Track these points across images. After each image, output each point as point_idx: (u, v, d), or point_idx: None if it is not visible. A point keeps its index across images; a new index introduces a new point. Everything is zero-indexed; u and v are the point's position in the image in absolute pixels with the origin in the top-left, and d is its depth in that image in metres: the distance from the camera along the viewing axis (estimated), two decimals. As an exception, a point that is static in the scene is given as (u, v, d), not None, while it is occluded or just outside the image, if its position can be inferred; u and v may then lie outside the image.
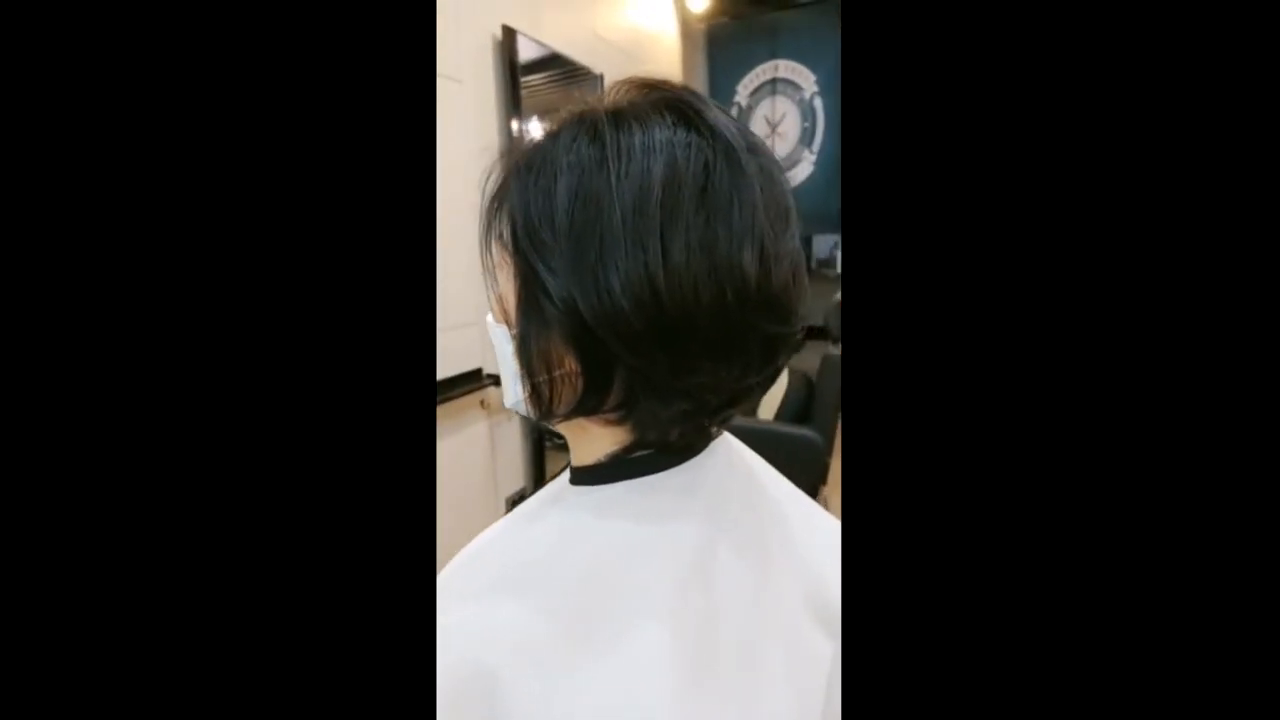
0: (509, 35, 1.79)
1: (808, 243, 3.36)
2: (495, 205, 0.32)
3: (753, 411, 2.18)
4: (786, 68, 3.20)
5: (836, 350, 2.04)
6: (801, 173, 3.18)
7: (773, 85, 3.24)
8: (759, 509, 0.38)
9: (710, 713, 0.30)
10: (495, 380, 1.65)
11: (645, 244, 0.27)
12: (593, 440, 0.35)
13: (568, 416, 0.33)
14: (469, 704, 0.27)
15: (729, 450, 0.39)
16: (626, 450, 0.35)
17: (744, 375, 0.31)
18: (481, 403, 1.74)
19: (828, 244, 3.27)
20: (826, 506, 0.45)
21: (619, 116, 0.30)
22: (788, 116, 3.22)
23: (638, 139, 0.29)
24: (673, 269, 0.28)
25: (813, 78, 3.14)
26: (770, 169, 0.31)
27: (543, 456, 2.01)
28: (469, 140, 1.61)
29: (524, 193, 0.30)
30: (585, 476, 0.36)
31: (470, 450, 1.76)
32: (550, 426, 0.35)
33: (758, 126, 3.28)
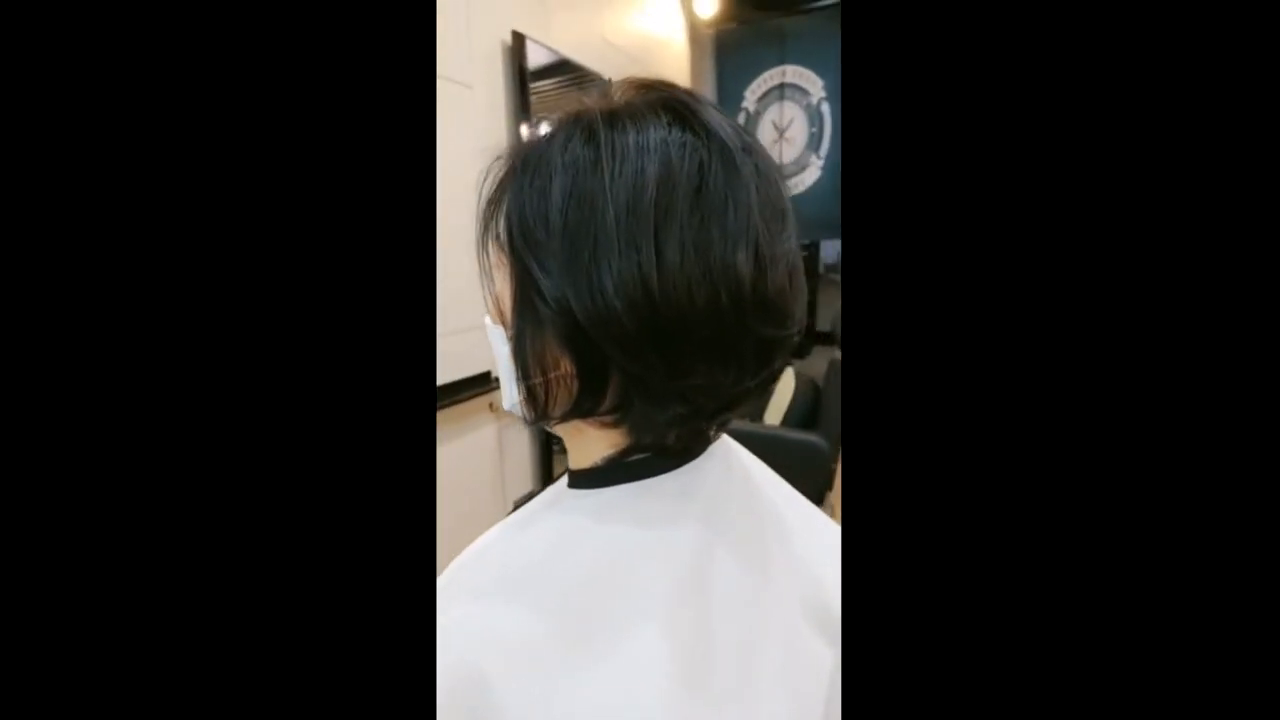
0: (518, 41, 1.81)
1: (815, 248, 3.35)
2: (492, 205, 0.32)
3: (759, 417, 2.17)
4: (794, 73, 3.20)
5: (844, 356, 2.02)
6: (809, 178, 3.18)
7: (780, 91, 3.24)
8: (758, 513, 0.38)
9: (707, 715, 0.29)
10: (502, 384, 1.65)
11: (639, 244, 0.27)
12: (590, 443, 0.35)
13: (563, 419, 0.33)
14: (467, 704, 0.27)
15: (727, 454, 0.39)
16: (623, 454, 0.34)
17: (740, 379, 0.31)
18: (490, 406, 1.74)
19: (835, 249, 3.26)
20: (832, 513, 0.45)
21: (614, 116, 0.30)
22: (795, 122, 3.22)
23: (632, 139, 0.29)
24: (666, 270, 0.27)
25: (820, 83, 3.14)
26: (767, 170, 0.31)
27: (550, 460, 2.02)
28: (479, 145, 1.63)
29: (519, 193, 0.30)
30: (582, 480, 0.36)
31: (479, 453, 1.77)
32: (546, 429, 0.35)
33: (765, 132, 3.28)
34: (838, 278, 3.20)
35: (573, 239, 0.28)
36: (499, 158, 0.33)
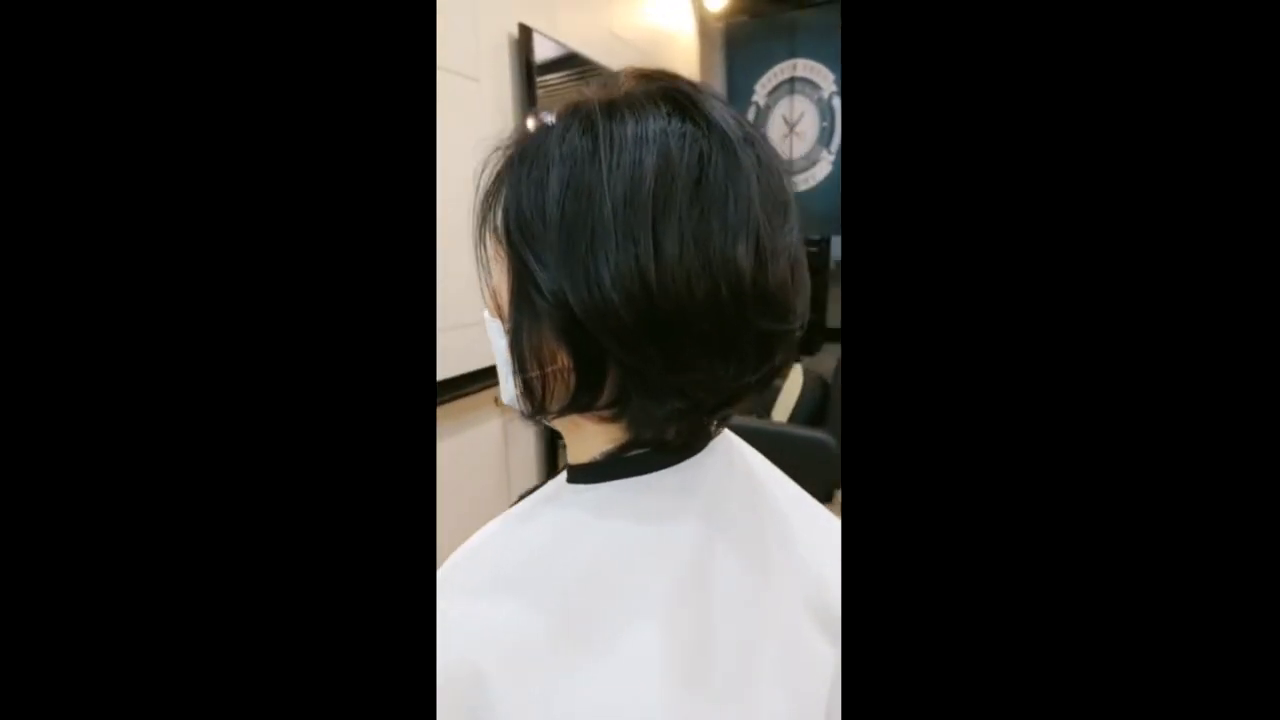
0: (525, 34, 1.80)
1: (826, 244, 3.32)
2: (489, 197, 0.32)
3: (766, 413, 2.16)
4: (805, 67, 3.17)
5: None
6: (820, 173, 3.15)
7: (791, 85, 3.21)
8: (759, 509, 0.38)
9: (707, 713, 0.29)
10: (508, 378, 1.65)
11: (636, 236, 0.27)
12: (588, 438, 0.35)
13: (561, 413, 0.33)
14: (467, 704, 0.27)
15: (729, 449, 0.39)
16: (622, 449, 0.34)
17: (740, 373, 0.30)
18: (495, 400, 1.75)
19: (846, 245, 3.23)
20: (839, 511, 0.45)
21: (613, 107, 0.29)
22: (806, 116, 3.19)
23: (631, 130, 0.28)
24: (664, 262, 0.27)
25: (831, 77, 3.10)
26: (769, 161, 0.30)
27: (555, 454, 2.02)
28: (486, 139, 1.62)
29: (517, 185, 0.30)
30: (581, 475, 0.36)
31: (484, 447, 1.77)
32: (545, 423, 0.35)
33: (776, 126, 3.25)
34: (848, 274, 3.17)
35: (570, 231, 0.28)
36: (497, 149, 0.33)
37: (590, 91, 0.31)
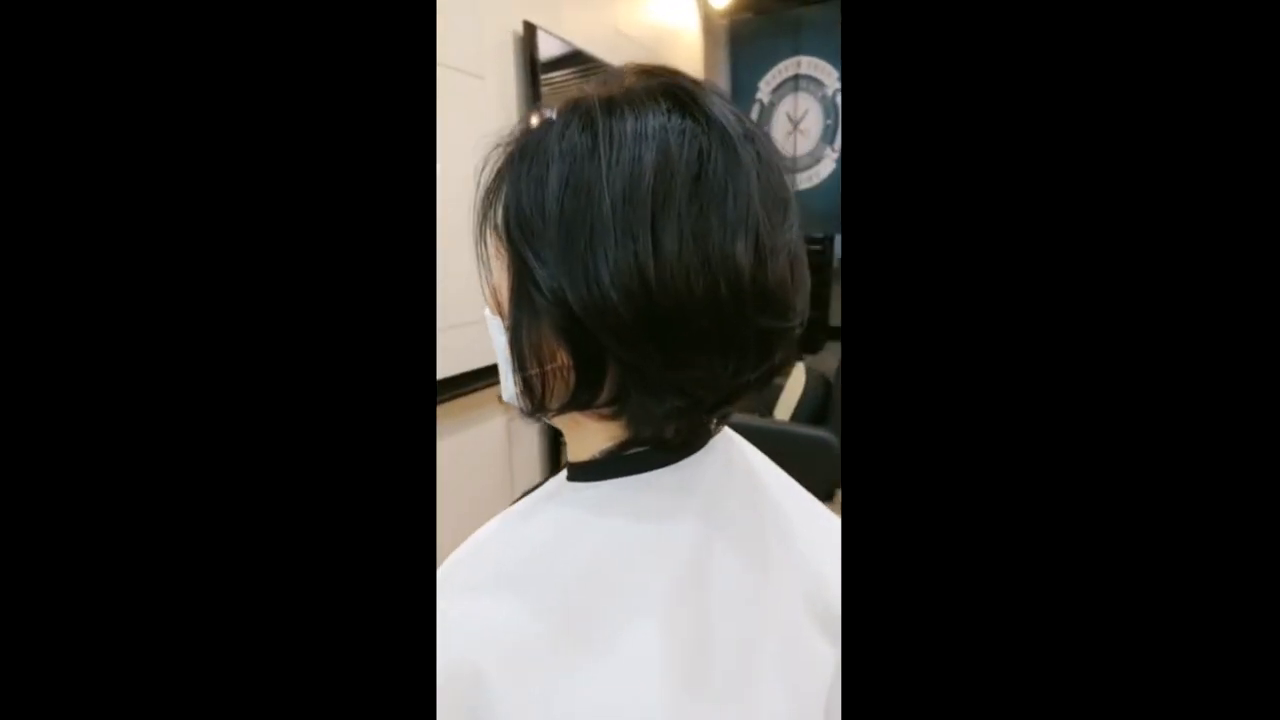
0: (530, 31, 1.80)
1: (829, 242, 3.31)
2: (490, 194, 0.32)
3: (769, 412, 2.16)
4: (809, 64, 3.16)
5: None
6: (824, 170, 3.14)
7: (795, 82, 3.20)
8: (759, 508, 0.37)
9: (706, 712, 0.29)
10: (511, 375, 1.65)
11: (635, 233, 0.27)
12: (588, 436, 0.35)
13: (561, 411, 0.33)
14: (467, 704, 0.27)
15: (729, 447, 0.38)
16: (622, 446, 0.34)
17: (739, 371, 0.30)
18: (499, 397, 1.75)
19: (850, 243, 3.21)
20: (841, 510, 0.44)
21: (613, 103, 0.29)
22: (810, 113, 3.18)
23: (630, 126, 0.28)
24: (663, 259, 0.27)
25: (836, 74, 3.08)
26: (769, 157, 0.30)
27: (559, 451, 2.02)
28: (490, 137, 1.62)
29: (517, 182, 0.30)
30: (581, 473, 0.36)
31: (488, 444, 1.78)
32: (544, 421, 0.35)
33: (780, 123, 3.24)
34: (851, 272, 3.16)
35: (569, 228, 0.28)
36: (498, 146, 0.33)
37: (590, 88, 0.31)
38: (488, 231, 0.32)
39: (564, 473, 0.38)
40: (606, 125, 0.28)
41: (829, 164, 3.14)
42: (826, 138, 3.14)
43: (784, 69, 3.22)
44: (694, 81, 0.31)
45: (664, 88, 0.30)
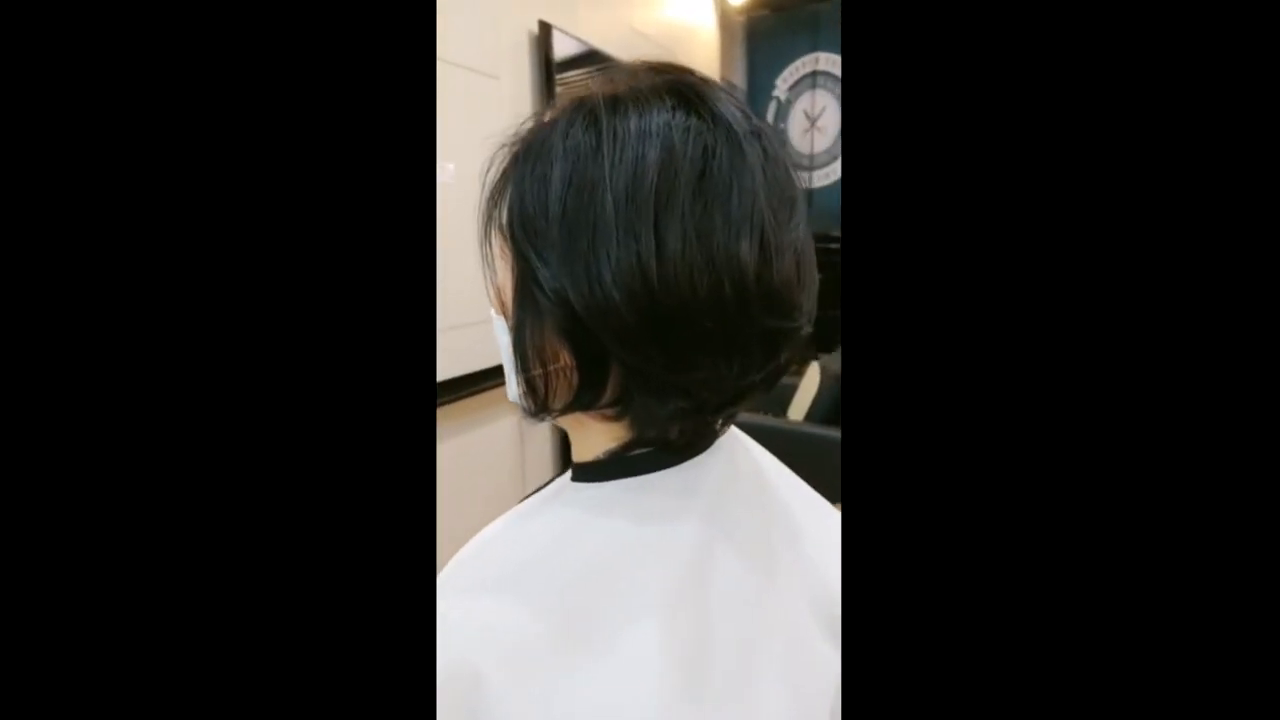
0: (545, 31, 1.80)
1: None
2: (495, 194, 0.32)
3: (782, 412, 2.14)
4: (827, 60, 3.13)
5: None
6: (841, 168, 3.11)
7: (813, 78, 3.17)
8: (765, 511, 0.37)
9: (706, 713, 0.29)
10: (524, 374, 1.66)
11: (638, 232, 0.26)
12: (592, 436, 0.35)
13: (564, 411, 0.33)
14: (467, 704, 0.27)
15: (735, 448, 0.38)
16: (626, 447, 0.34)
17: (744, 372, 0.30)
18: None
19: (867, 241, 3.17)
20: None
21: (617, 101, 0.29)
22: (828, 110, 3.15)
23: (634, 124, 0.28)
24: (667, 259, 0.27)
25: (855, 70, 3.05)
26: (776, 154, 0.30)
27: (570, 449, 2.02)
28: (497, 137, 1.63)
29: (521, 181, 0.30)
30: (585, 473, 0.36)
31: (499, 443, 1.79)
32: (548, 421, 0.35)
33: (797, 120, 3.21)
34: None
35: (571, 227, 0.28)
36: (504, 145, 0.33)
37: (596, 86, 0.31)
38: (492, 231, 0.32)
39: (568, 473, 0.38)
40: (610, 123, 0.28)
41: (846, 161, 3.10)
42: (844, 135, 3.10)
43: (801, 65, 3.20)
44: (700, 78, 0.31)
45: (669, 85, 0.30)
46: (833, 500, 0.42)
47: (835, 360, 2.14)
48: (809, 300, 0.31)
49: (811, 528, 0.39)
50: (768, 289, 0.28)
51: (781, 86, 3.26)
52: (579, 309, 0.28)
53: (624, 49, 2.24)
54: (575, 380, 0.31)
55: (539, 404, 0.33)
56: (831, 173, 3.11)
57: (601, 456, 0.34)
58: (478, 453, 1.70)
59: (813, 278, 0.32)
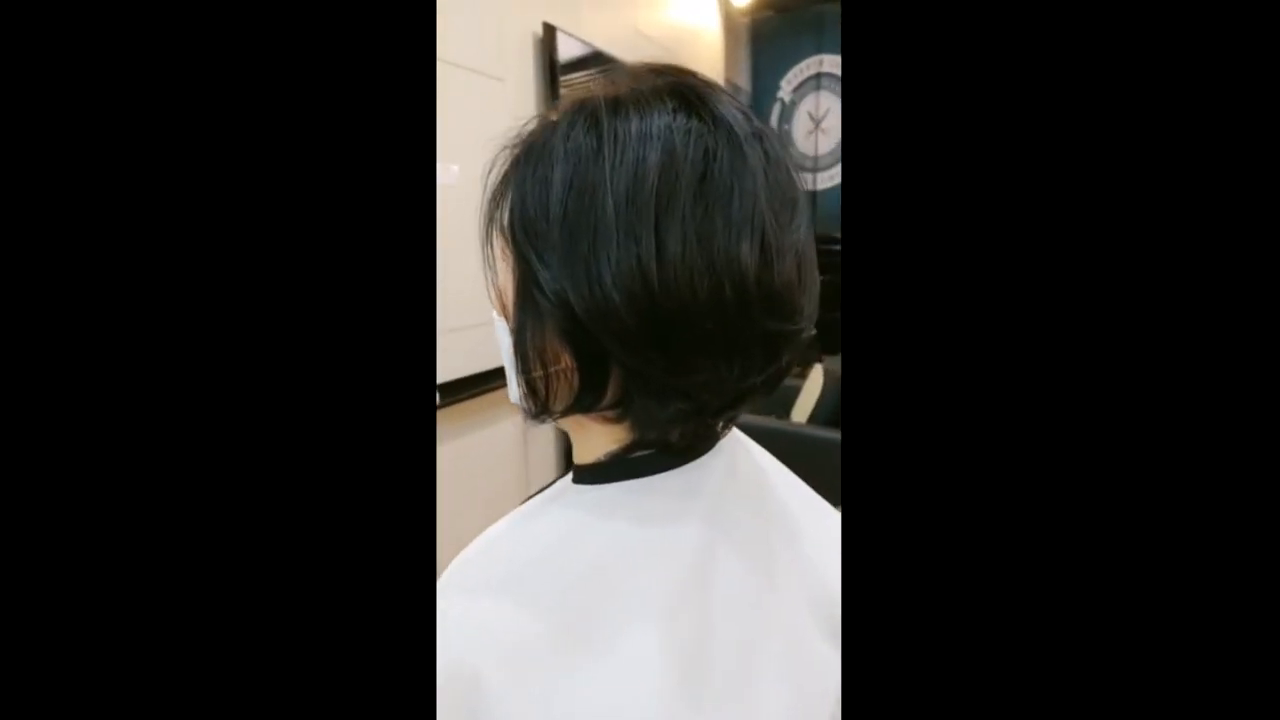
0: (549, 33, 1.81)
1: (850, 242, 3.26)
2: (496, 196, 0.32)
3: (785, 413, 2.13)
4: (832, 62, 3.12)
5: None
6: (846, 170, 3.10)
7: (817, 80, 3.17)
8: (766, 513, 0.37)
9: (706, 714, 0.29)
10: (528, 375, 1.67)
11: (638, 234, 0.26)
12: (593, 438, 0.35)
13: (565, 413, 0.33)
14: (467, 705, 0.27)
15: (736, 451, 0.38)
16: (626, 450, 0.34)
17: (744, 375, 0.30)
18: (514, 397, 1.76)
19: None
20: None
21: (618, 103, 0.29)
22: (832, 112, 3.14)
23: (635, 126, 0.28)
24: (667, 261, 0.27)
25: (859, 72, 3.04)
26: (778, 157, 0.30)
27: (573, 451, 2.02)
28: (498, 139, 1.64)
29: (522, 183, 0.30)
30: (586, 475, 0.36)
31: (503, 444, 1.79)
32: (550, 423, 0.35)
33: (801, 122, 3.21)
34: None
35: (572, 229, 0.28)
36: (505, 147, 0.33)
37: (597, 88, 0.31)
38: (494, 233, 0.32)
39: (570, 475, 0.38)
40: (611, 126, 0.28)
41: (851, 163, 3.09)
42: (848, 137, 3.10)
43: (806, 67, 3.19)
44: (702, 80, 0.31)
45: (671, 87, 0.30)
46: (834, 501, 0.42)
47: (839, 363, 2.13)
48: (810, 303, 0.31)
49: (811, 528, 0.39)
50: (768, 291, 0.28)
51: (786, 88, 3.26)
52: (579, 311, 0.28)
53: (628, 51, 2.25)
54: (576, 382, 0.31)
55: (540, 406, 0.33)
56: (836, 175, 3.10)
57: (603, 458, 0.34)
58: (480, 454, 1.70)
59: (814, 280, 0.32)
